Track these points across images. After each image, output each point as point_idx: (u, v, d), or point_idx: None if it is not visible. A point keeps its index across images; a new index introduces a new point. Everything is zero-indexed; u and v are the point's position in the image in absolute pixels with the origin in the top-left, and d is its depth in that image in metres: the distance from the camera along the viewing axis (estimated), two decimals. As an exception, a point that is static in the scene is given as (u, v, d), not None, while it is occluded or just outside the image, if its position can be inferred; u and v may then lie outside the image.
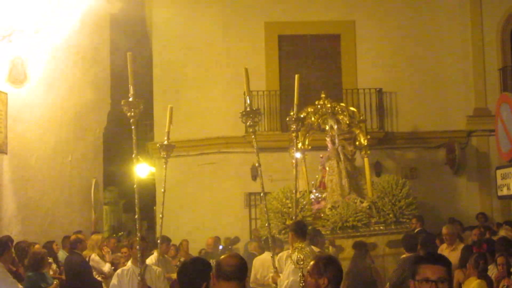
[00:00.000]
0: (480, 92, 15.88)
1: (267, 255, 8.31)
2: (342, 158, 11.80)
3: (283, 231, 10.71)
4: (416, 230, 11.19)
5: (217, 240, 13.34)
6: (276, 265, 6.98)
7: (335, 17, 16.32)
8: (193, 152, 15.81)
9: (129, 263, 6.80)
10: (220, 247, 13.29)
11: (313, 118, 11.84)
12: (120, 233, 27.15)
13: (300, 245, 4.71)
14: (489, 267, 7.37)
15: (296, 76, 7.21)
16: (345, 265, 8.48)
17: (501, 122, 8.46)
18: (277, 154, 13.98)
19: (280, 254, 7.43)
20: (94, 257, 9.67)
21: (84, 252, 9.57)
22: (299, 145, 11.48)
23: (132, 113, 6.03)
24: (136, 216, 6.34)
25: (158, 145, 7.88)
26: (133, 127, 6.22)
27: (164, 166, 7.21)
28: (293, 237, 7.00)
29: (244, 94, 6.66)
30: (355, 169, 12.15)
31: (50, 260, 9.43)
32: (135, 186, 6.37)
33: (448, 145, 15.84)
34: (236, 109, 6.65)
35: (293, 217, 8.29)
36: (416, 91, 16.08)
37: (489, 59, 15.93)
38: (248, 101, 6.28)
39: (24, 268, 8.40)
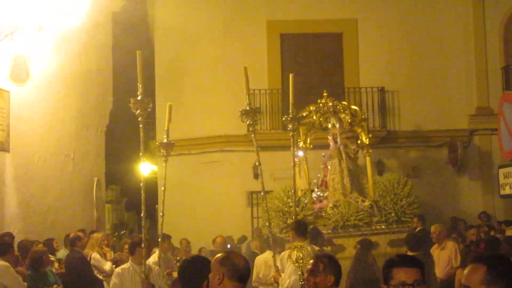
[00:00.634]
0: (482, 91, 15.85)
1: (268, 254, 8.30)
2: (344, 157, 11.79)
3: (284, 230, 10.70)
4: (417, 230, 11.16)
5: (226, 239, 13.29)
6: (278, 264, 6.98)
7: (337, 16, 16.29)
8: (195, 151, 15.82)
9: (129, 261, 6.78)
10: (228, 246, 13.25)
11: (315, 117, 11.82)
12: (122, 232, 27.18)
13: (299, 244, 4.70)
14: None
15: (291, 75, 7.26)
16: (346, 265, 8.48)
17: (503, 121, 8.42)
18: (279, 152, 13.94)
19: (282, 254, 7.42)
20: (95, 255, 9.66)
21: (85, 251, 9.56)
22: (300, 144, 11.53)
23: (141, 112, 6.02)
24: (142, 214, 6.34)
25: (157, 143, 7.86)
26: (140, 125, 6.20)
27: (164, 164, 7.20)
28: (293, 236, 7.00)
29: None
30: (357, 168, 12.14)
31: (53, 258, 9.43)
32: (141, 184, 6.38)
33: (450, 144, 15.81)
34: (238, 108, 6.64)
35: (294, 216, 8.30)
36: (418, 89, 16.04)
37: (491, 58, 15.89)
38: (247, 100, 6.29)
39: (26, 267, 8.41)
